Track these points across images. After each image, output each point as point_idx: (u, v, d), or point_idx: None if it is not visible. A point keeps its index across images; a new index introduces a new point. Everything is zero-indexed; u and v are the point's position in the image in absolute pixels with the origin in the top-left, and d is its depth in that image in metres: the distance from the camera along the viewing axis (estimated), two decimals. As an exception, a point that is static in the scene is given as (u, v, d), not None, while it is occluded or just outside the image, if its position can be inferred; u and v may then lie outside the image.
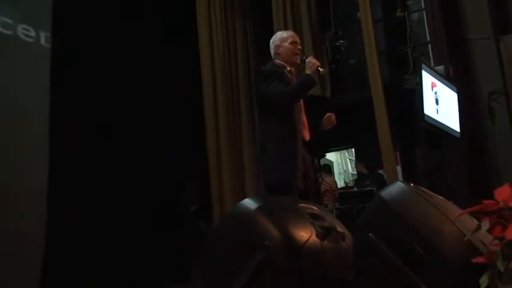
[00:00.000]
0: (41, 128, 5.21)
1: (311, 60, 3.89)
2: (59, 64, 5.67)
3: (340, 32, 7.80)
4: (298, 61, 4.12)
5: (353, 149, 10.94)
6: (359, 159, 8.93)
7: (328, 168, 8.94)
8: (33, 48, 5.40)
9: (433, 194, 2.44)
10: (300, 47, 4.15)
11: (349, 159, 12.77)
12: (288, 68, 4.05)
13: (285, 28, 7.10)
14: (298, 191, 3.82)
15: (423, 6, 7.23)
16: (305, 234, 2.30)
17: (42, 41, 5.51)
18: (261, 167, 4.29)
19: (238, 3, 7.69)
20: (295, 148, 3.87)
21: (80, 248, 5.62)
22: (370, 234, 2.19)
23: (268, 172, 3.94)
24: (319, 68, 3.89)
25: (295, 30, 7.12)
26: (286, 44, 4.07)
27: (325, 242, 2.36)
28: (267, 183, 3.96)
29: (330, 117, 4.16)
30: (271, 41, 4.18)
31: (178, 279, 5.48)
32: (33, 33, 5.43)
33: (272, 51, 4.14)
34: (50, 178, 5.14)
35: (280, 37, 4.14)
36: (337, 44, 7.77)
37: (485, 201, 1.75)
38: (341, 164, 12.96)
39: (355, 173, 10.50)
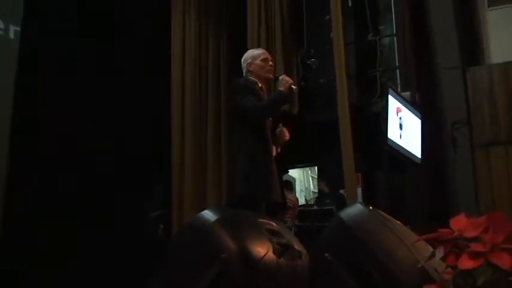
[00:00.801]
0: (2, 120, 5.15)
1: (284, 78, 3.93)
2: (27, 59, 5.62)
3: (312, 51, 7.87)
4: (271, 77, 4.16)
5: (316, 167, 10.98)
6: (322, 178, 8.97)
7: (290, 184, 8.95)
8: (1, 40, 5.33)
9: (390, 218, 2.46)
10: (271, 63, 4.17)
11: (312, 176, 12.82)
12: (260, 85, 4.07)
13: (259, 42, 7.15)
14: (276, 201, 3.87)
15: (395, 32, 7.35)
16: (262, 249, 2.30)
17: (11, 35, 5.44)
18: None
19: (214, 16, 7.71)
20: (267, 161, 3.90)
21: (34, 248, 5.55)
22: (327, 255, 2.20)
23: (238, 183, 3.96)
24: (292, 86, 3.92)
25: (268, 45, 7.18)
26: (257, 62, 4.09)
27: (282, 259, 2.36)
28: (237, 193, 3.99)
29: (281, 131, 4.15)
30: (242, 58, 4.20)
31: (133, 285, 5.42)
32: (1, 25, 5.36)
33: (244, 69, 4.16)
34: (10, 172, 5.10)
35: (252, 55, 4.16)
36: (309, 62, 7.83)
37: (440, 230, 1.78)
38: (303, 181, 13.00)
39: (316, 191, 10.54)
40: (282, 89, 3.88)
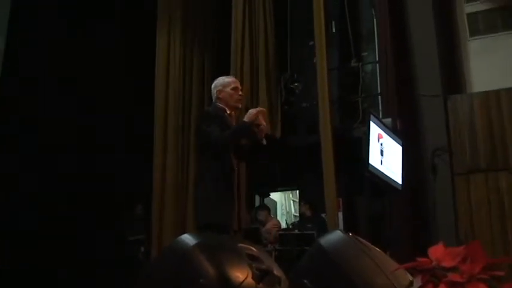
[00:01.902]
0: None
1: (252, 111, 3.90)
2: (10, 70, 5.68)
3: (296, 76, 7.91)
4: (239, 106, 4.17)
5: (297, 191, 10.97)
6: (304, 201, 8.93)
7: (268, 209, 8.88)
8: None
9: (370, 245, 2.47)
10: (241, 92, 4.20)
11: (293, 200, 12.79)
12: (228, 112, 4.08)
13: (242, 66, 7.19)
14: (230, 230, 3.85)
15: (377, 59, 7.42)
16: (241, 275, 2.28)
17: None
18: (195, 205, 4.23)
19: (198, 41, 7.74)
20: (228, 189, 3.90)
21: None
22: (306, 281, 2.19)
23: (201, 211, 3.94)
24: (259, 122, 3.87)
25: (251, 68, 7.22)
26: (228, 89, 4.10)
27: (261, 284, 2.34)
28: (199, 221, 3.97)
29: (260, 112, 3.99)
30: (213, 85, 4.22)
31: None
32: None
33: (214, 95, 4.17)
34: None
35: (222, 82, 4.18)
36: (292, 86, 7.87)
37: (419, 259, 1.79)
38: (284, 205, 12.97)
39: (298, 214, 10.51)
40: (246, 120, 3.88)
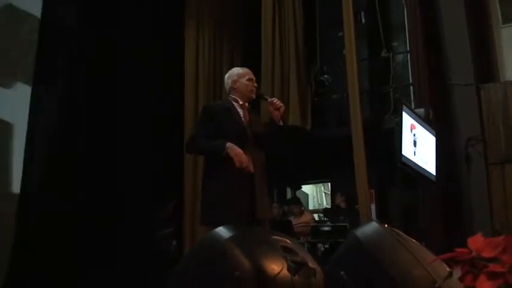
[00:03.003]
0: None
1: (243, 158, 3.72)
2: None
3: (325, 67, 7.88)
4: (253, 97, 4.14)
5: (329, 183, 10.93)
6: (341, 193, 8.86)
7: (300, 203, 8.85)
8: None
9: (406, 236, 2.44)
10: (256, 84, 4.18)
11: (325, 193, 12.76)
12: (241, 102, 4.07)
13: (273, 58, 7.18)
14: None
15: (408, 48, 7.34)
16: (276, 267, 2.28)
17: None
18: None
19: (227, 36, 7.71)
20: (231, 187, 3.77)
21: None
22: (342, 273, 2.18)
23: (204, 209, 3.91)
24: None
25: (282, 63, 7.21)
26: (243, 80, 4.08)
27: (296, 276, 2.34)
28: (202, 220, 3.94)
29: (272, 102, 3.98)
30: (227, 75, 4.21)
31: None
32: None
33: (228, 86, 4.15)
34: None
35: (238, 73, 4.16)
36: (322, 78, 7.84)
37: (458, 250, 1.76)
38: (316, 197, 12.94)
39: (330, 207, 10.46)
40: (230, 152, 3.70)
